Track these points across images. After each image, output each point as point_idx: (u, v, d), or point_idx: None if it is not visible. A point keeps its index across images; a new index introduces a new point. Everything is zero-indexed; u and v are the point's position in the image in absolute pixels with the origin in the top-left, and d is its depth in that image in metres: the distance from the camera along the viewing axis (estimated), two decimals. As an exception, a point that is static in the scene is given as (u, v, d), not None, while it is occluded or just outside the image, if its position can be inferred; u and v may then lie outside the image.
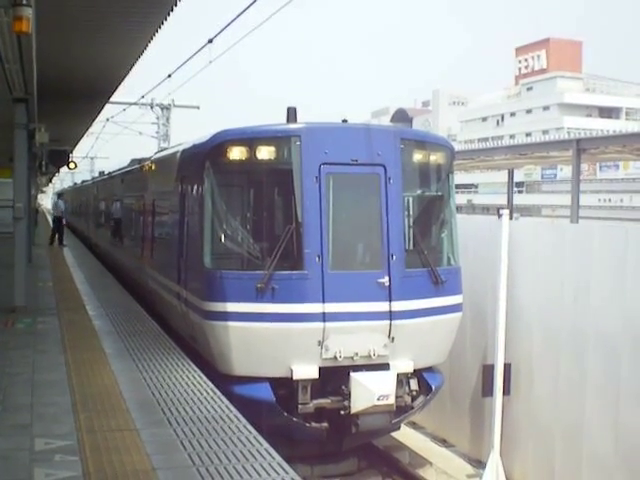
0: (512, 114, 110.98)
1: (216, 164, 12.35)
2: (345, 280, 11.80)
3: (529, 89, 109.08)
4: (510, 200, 30.39)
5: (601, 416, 11.96)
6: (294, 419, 11.73)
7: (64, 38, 14.09)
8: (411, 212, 12.93)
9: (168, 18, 12.58)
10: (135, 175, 23.43)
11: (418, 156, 12.94)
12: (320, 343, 11.62)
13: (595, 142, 24.47)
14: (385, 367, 11.97)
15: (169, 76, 28.25)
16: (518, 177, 61.32)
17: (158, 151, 21.57)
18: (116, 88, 19.99)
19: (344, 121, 12.94)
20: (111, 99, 23.01)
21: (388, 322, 11.89)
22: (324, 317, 11.61)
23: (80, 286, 21.69)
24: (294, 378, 11.64)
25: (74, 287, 21.45)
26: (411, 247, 12.57)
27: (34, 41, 11.65)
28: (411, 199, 13.00)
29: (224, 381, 11.54)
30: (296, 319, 11.60)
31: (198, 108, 52.20)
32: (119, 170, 29.97)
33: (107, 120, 47.34)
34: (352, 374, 11.67)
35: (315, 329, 11.60)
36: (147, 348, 12.91)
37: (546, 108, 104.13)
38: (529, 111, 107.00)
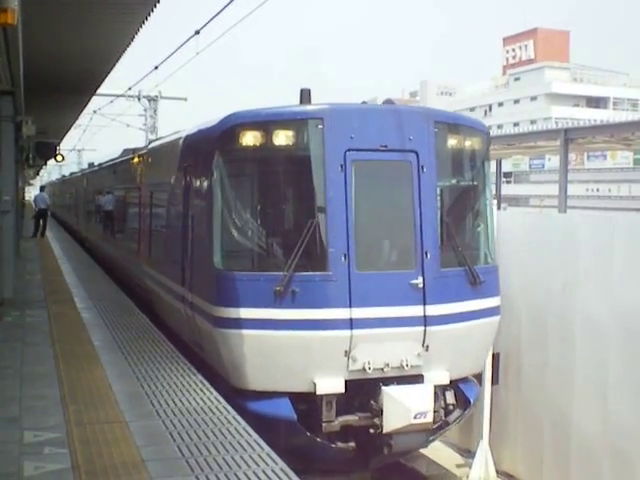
0: (500, 104, 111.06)
1: (226, 151, 11.06)
2: (374, 282, 10.50)
3: (517, 79, 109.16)
4: (498, 190, 30.44)
5: (589, 405, 12.01)
6: (318, 439, 10.43)
7: (50, 30, 14.02)
8: (445, 204, 11.53)
9: (155, 9, 12.53)
10: (129, 166, 22.08)
11: (452, 141, 11.63)
12: (347, 353, 10.30)
13: (583, 132, 24.54)
14: (418, 379, 10.74)
15: (156, 68, 28.19)
16: (506, 167, 61.35)
17: (154, 139, 20.26)
18: (103, 80, 19.91)
19: (363, 103, 11.93)
20: (98, 91, 22.91)
21: (422, 328, 10.59)
22: (351, 324, 10.29)
23: (68, 278, 21.66)
24: (317, 393, 10.29)
25: (62, 279, 21.42)
26: (446, 243, 11.16)
27: (20, 33, 11.60)
28: (445, 189, 11.69)
29: (237, 396, 10.44)
30: (319, 326, 10.27)
31: (185, 100, 52.15)
32: (111, 161, 28.53)
33: (94, 112, 47.31)
34: (385, 389, 10.35)
35: (341, 337, 10.28)
36: (136, 340, 12.91)
37: (534, 98, 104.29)
38: (517, 101, 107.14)
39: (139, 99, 50.63)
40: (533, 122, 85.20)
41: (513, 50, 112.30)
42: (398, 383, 10.47)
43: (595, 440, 11.88)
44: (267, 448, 7.75)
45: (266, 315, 10.25)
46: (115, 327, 14.08)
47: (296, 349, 10.23)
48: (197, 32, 19.56)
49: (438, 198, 11.18)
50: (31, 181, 79.68)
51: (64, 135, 39.39)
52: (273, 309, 10.22)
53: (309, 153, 10.77)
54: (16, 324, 14.42)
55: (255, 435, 8.16)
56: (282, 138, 10.72)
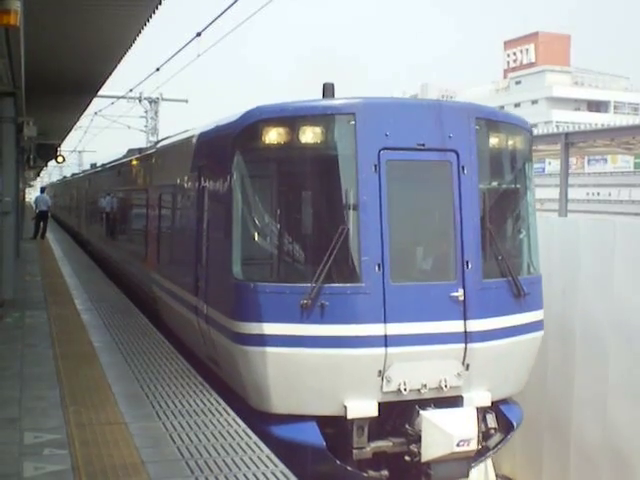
0: (501, 107, 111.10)
1: (248, 150, 10.13)
2: (411, 294, 9.58)
3: (518, 83, 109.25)
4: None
5: (589, 408, 12.01)
6: (348, 467, 9.43)
7: (52, 31, 14.02)
8: (486, 209, 10.34)
9: (156, 11, 12.53)
10: (136, 166, 21.13)
11: (494, 140, 10.72)
12: (380, 373, 9.35)
13: (583, 136, 24.52)
14: (458, 401, 9.81)
15: (157, 69, 28.19)
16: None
17: (163, 138, 18.57)
18: (104, 81, 19.90)
19: None
20: (99, 93, 22.92)
21: (463, 346, 9.66)
22: (386, 341, 9.33)
23: (68, 280, 21.66)
24: (348, 417, 9.34)
25: (62, 281, 21.42)
26: (487, 252, 10.20)
27: (22, 34, 11.61)
28: (486, 192, 10.52)
29: (259, 419, 9.55)
30: (351, 344, 9.29)
31: (186, 102, 52.17)
32: (116, 161, 27.38)
33: (95, 114, 47.26)
34: (424, 413, 9.38)
35: (375, 356, 9.32)
36: (135, 342, 12.91)
37: (534, 102, 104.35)
38: (517, 105, 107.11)
39: (140, 101, 50.67)
40: (534, 126, 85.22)
41: (514, 54, 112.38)
42: (436, 405, 9.56)
43: (594, 444, 11.88)
44: (267, 450, 7.76)
45: (292, 331, 9.34)
46: (115, 328, 14.08)
47: (325, 369, 9.31)
48: (198, 34, 19.56)
49: (479, 202, 10.15)
50: (31, 182, 79.70)
51: (65, 136, 39.36)
52: (299, 324, 9.31)
53: (339, 152, 9.84)
54: (16, 325, 14.42)
55: (255, 437, 8.17)
56: (310, 135, 9.79)
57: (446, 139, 9.86)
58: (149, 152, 18.67)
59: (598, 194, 66.08)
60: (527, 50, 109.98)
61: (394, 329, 9.37)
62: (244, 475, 7.08)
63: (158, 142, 18.13)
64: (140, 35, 14.26)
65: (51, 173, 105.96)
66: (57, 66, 17.48)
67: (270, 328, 9.37)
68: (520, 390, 10.85)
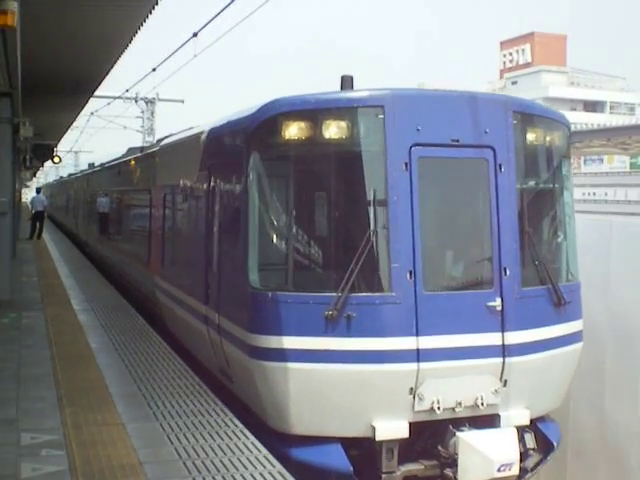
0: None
1: (265, 147, 9.35)
2: (444, 304, 8.82)
3: (514, 83, 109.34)
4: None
5: (586, 405, 12.03)
6: None
7: (48, 31, 14.02)
8: (524, 210, 9.57)
9: (153, 11, 12.53)
10: (138, 166, 20.26)
11: (532, 135, 9.87)
12: (412, 391, 8.58)
13: (580, 136, 24.63)
14: (494, 420, 9.07)
15: (154, 70, 28.16)
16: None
17: (166, 136, 17.47)
18: (101, 82, 19.91)
19: None
20: (95, 93, 22.91)
21: (500, 360, 8.91)
22: (418, 355, 8.58)
23: (65, 280, 21.63)
24: (377, 439, 8.57)
25: (59, 281, 21.39)
26: (526, 257, 9.46)
27: (18, 35, 11.60)
28: (523, 193, 9.77)
29: (278, 441, 8.82)
30: (380, 359, 8.51)
31: (183, 102, 52.15)
32: (115, 161, 26.49)
33: (91, 114, 47.25)
34: (460, 435, 8.65)
35: (406, 372, 8.56)
36: (132, 342, 12.89)
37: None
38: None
39: (136, 101, 50.68)
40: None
41: (510, 54, 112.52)
42: (471, 425, 8.86)
43: (591, 440, 11.90)
44: (264, 450, 7.76)
45: (315, 345, 8.56)
46: (112, 329, 14.06)
47: (351, 386, 8.52)
48: (195, 34, 19.53)
49: (517, 203, 9.40)
50: (28, 183, 79.64)
51: (61, 137, 39.35)
52: (323, 338, 8.53)
53: (366, 148, 9.04)
54: (13, 326, 14.39)
55: (252, 437, 8.17)
56: (334, 130, 8.94)
57: (482, 134, 9.12)
58: (152, 150, 17.88)
59: (594, 194, 66.23)
60: (523, 50, 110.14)
61: (427, 342, 8.62)
62: (241, 475, 7.08)
63: (162, 139, 17.29)
64: (137, 35, 14.27)
65: (47, 173, 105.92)
66: (53, 66, 17.48)
67: (291, 342, 8.60)
68: (558, 406, 10.15)
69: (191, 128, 14.51)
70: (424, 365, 8.58)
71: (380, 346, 8.52)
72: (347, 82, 9.62)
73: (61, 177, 75.18)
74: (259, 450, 7.77)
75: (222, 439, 8.08)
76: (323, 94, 9.24)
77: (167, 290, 13.99)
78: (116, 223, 23.95)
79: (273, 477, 7.05)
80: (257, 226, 9.28)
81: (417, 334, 8.60)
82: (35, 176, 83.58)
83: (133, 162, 21.16)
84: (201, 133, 12.31)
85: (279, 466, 7.34)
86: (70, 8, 12.47)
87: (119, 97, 44.55)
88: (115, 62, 17.08)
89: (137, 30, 13.92)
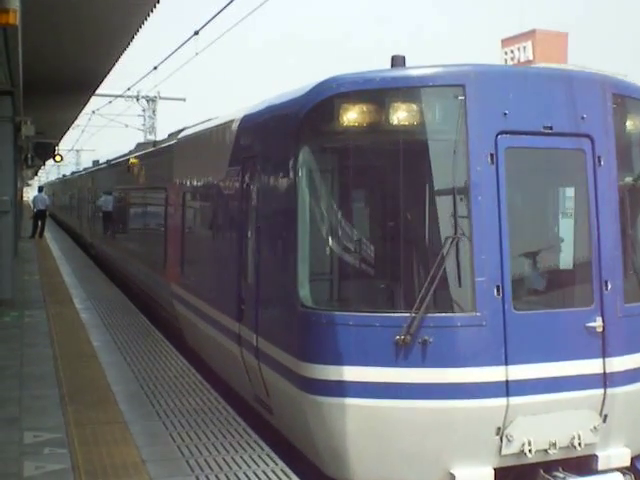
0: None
1: (319, 136, 7.89)
2: (537, 326, 7.37)
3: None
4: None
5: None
6: None
7: (50, 30, 14.02)
8: (626, 210, 8.10)
9: (154, 10, 12.54)
10: (150, 161, 18.64)
11: (632, 122, 8.27)
12: (499, 431, 7.16)
13: None
14: (591, 462, 7.63)
15: (155, 68, 28.17)
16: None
17: (181, 129, 15.68)
18: (102, 80, 19.91)
19: None
20: (97, 91, 22.92)
21: (601, 391, 7.47)
22: (507, 388, 7.15)
23: (67, 279, 21.65)
24: None
25: (61, 280, 21.40)
26: (628, 268, 8.02)
27: (20, 33, 11.60)
28: (624, 190, 8.20)
29: None
30: (462, 394, 7.09)
31: (184, 100, 52.13)
32: (124, 157, 24.60)
33: (93, 113, 47.20)
34: None
35: (493, 409, 7.13)
36: (135, 341, 12.89)
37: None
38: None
39: (138, 99, 50.62)
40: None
41: (511, 51, 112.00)
42: (564, 469, 7.48)
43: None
44: (267, 448, 7.75)
45: (382, 377, 7.15)
46: (114, 328, 14.06)
47: (426, 426, 7.14)
48: (196, 33, 19.52)
49: (618, 203, 7.91)
50: (29, 181, 79.70)
51: (63, 135, 39.38)
52: (393, 368, 7.14)
53: (444, 137, 7.42)
54: (15, 324, 14.41)
55: (255, 435, 8.16)
56: (403, 114, 7.44)
57: (579, 121, 7.65)
58: (168, 144, 16.08)
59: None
60: (524, 48, 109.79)
61: (518, 373, 7.19)
62: (244, 473, 7.07)
63: (179, 132, 15.53)
64: (138, 33, 14.28)
65: (49, 172, 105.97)
66: (55, 65, 17.50)
67: (352, 373, 7.22)
68: None
69: (209, 120, 13.29)
70: (514, 400, 7.17)
71: (462, 378, 7.11)
72: (399, 63, 8.01)
73: (64, 175, 75.03)
74: (262, 448, 7.76)
75: (225, 437, 8.07)
76: (389, 71, 7.78)
77: (187, 301, 12.55)
78: (123, 223, 22.79)
79: (276, 475, 7.05)
80: (309, 232, 7.78)
81: (506, 362, 7.17)
82: (37, 175, 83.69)
83: (145, 158, 19.58)
84: (231, 122, 10.70)
85: (281, 464, 7.34)
86: (71, 6, 12.48)
87: (120, 95, 44.44)
88: (116, 60, 17.09)
89: (138, 28, 13.93)
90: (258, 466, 7.26)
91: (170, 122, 42.64)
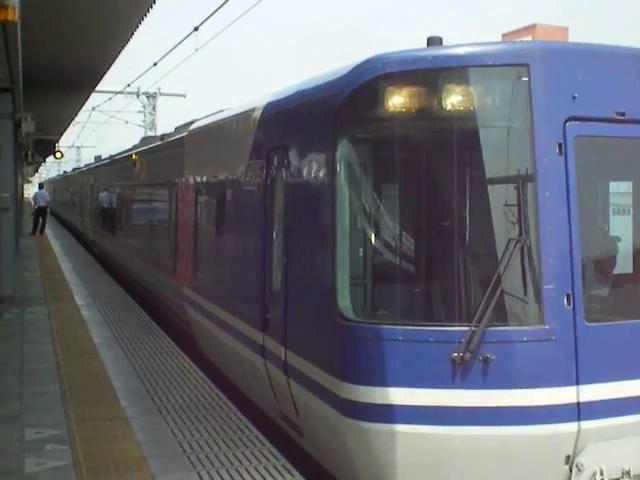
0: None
1: (360, 123, 7.06)
2: (611, 339, 6.55)
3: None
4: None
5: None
6: None
7: (50, 26, 14.00)
8: None
9: (154, 5, 12.53)
10: (157, 156, 17.71)
11: None
12: (569, 460, 6.37)
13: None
14: None
15: (155, 64, 28.15)
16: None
17: (191, 121, 14.68)
18: (102, 76, 19.90)
19: None
20: (97, 88, 22.91)
21: None
22: (578, 412, 6.34)
23: (68, 276, 21.66)
24: None
25: (62, 277, 21.41)
26: None
27: (19, 30, 11.58)
28: None
29: None
30: (527, 419, 6.29)
31: (184, 96, 52.09)
32: (128, 152, 23.59)
33: (93, 109, 47.18)
34: None
35: (562, 435, 6.34)
36: (136, 337, 12.90)
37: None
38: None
39: (138, 96, 50.58)
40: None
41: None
42: None
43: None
44: (268, 444, 7.75)
45: (437, 400, 6.33)
46: (115, 324, 14.07)
47: (487, 456, 6.35)
48: (196, 28, 19.53)
49: None
50: (30, 178, 79.70)
51: (63, 132, 39.36)
52: (449, 390, 6.31)
53: (505, 124, 6.59)
54: (16, 321, 14.42)
55: (256, 431, 8.16)
56: (458, 98, 6.54)
57: None
58: (178, 137, 15.03)
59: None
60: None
61: (590, 393, 6.38)
62: (245, 469, 7.07)
63: (188, 124, 14.69)
64: (138, 28, 14.27)
65: (49, 169, 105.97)
66: (55, 61, 17.48)
67: (402, 395, 6.38)
68: None
69: (221, 111, 12.56)
70: (586, 424, 6.35)
71: (528, 401, 6.30)
72: (435, 43, 7.13)
73: (65, 172, 74.86)
74: (263, 444, 7.75)
75: (226, 433, 8.07)
76: (440, 48, 6.90)
77: (201, 306, 11.73)
78: (128, 220, 22.09)
79: (278, 471, 7.04)
80: (348, 233, 6.92)
81: (577, 382, 6.35)
82: (37, 171, 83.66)
83: (152, 152, 18.57)
84: (252, 110, 9.74)
85: (283, 460, 7.33)
86: (71, 2, 12.46)
87: (120, 92, 44.43)
88: (116, 57, 17.08)
89: (138, 24, 13.91)
90: (260, 462, 7.26)
91: (170, 118, 42.66)
